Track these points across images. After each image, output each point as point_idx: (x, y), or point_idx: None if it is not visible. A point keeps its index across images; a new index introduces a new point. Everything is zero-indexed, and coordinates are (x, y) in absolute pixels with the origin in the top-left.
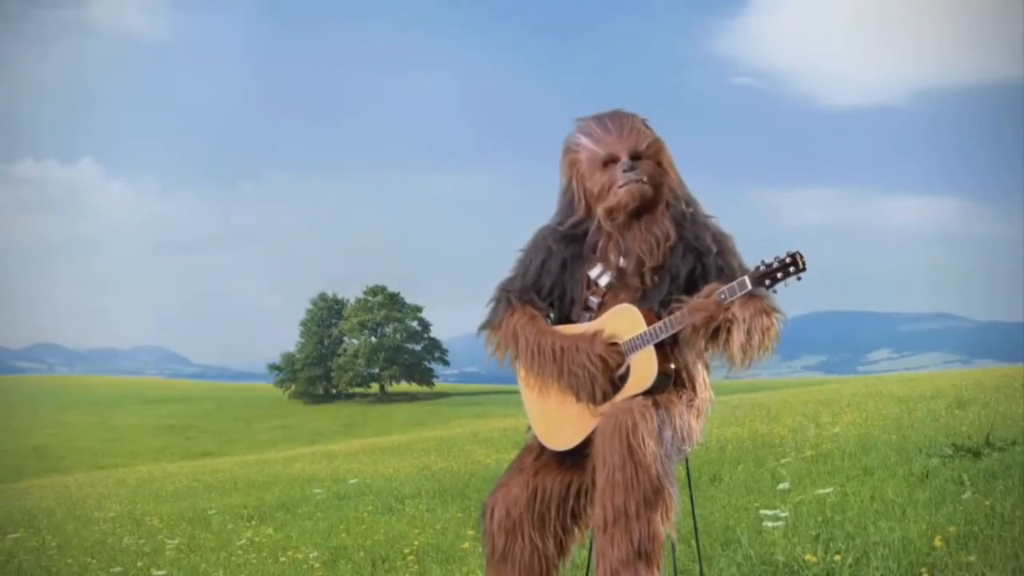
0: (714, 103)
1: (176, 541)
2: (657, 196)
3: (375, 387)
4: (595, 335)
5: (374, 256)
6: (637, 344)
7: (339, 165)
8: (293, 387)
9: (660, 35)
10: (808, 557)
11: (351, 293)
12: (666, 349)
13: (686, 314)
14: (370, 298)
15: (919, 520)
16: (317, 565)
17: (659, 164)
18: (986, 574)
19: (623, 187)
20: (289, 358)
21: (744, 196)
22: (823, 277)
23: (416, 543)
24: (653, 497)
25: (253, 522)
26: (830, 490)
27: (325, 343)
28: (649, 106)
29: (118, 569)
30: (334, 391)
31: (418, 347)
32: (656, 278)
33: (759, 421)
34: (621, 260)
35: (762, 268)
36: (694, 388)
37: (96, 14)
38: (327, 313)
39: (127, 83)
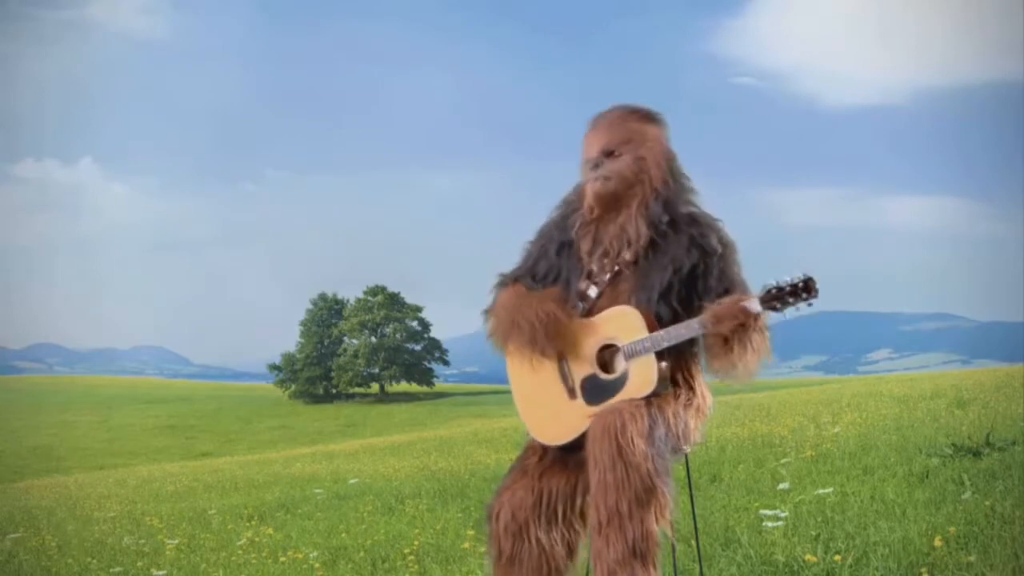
0: (714, 103)
1: (176, 541)
2: (628, 192)
3: (375, 387)
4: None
5: (374, 256)
6: (638, 349)
7: (339, 165)
8: (293, 387)
9: (660, 35)
10: (808, 557)
11: (351, 293)
12: (665, 353)
13: (710, 322)
14: (370, 298)
15: (919, 520)
16: (317, 565)
17: (639, 158)
18: (986, 574)
19: (588, 186)
20: (289, 358)
21: (744, 196)
22: (823, 277)
23: (416, 543)
24: (645, 496)
25: (253, 522)
26: (830, 490)
27: (325, 343)
28: (649, 106)
29: (118, 569)
30: (334, 391)
31: (418, 347)
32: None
33: (759, 421)
34: (590, 249)
35: (773, 291)
36: (692, 388)
37: (96, 14)
38: (327, 313)
39: (127, 83)
